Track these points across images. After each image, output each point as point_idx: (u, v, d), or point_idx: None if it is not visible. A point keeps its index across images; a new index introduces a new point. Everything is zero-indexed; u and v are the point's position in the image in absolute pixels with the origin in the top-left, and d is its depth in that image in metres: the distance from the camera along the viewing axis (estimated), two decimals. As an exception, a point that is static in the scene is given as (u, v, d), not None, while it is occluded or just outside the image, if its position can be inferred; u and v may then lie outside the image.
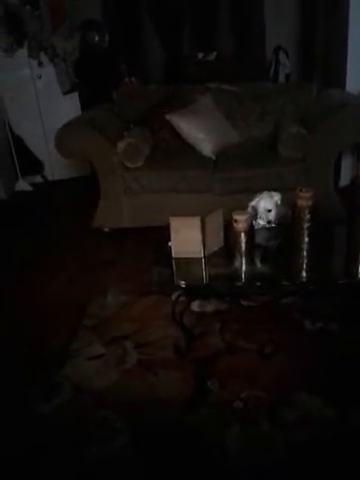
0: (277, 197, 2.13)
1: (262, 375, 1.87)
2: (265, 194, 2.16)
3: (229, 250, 2.04)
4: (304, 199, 1.89)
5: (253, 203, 2.20)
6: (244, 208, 2.28)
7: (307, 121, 3.05)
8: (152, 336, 2.13)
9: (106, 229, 3.25)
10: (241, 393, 1.78)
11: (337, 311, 2.18)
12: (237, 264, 1.97)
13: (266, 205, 2.14)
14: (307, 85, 3.47)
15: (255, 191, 2.79)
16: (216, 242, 2.03)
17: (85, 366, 2.00)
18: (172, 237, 1.95)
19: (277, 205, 2.12)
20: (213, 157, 3.17)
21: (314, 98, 3.34)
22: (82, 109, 4.22)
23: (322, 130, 2.84)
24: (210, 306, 2.28)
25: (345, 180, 3.72)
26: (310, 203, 1.89)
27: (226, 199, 2.95)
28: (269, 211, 2.14)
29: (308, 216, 1.90)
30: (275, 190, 2.83)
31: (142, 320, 2.25)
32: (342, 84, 3.55)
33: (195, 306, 2.27)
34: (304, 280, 1.91)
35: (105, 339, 2.15)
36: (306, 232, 1.93)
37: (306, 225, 1.92)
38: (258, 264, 2.04)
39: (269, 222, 2.14)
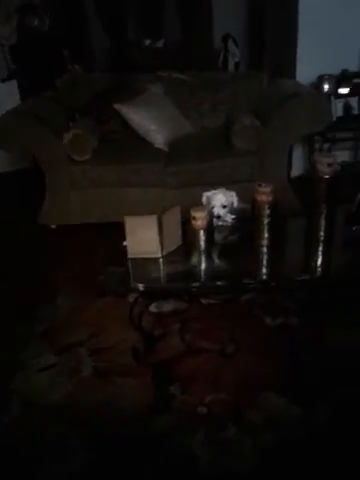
0: (234, 198, 2.07)
1: (225, 376, 1.80)
2: (223, 190, 2.09)
3: (188, 248, 1.95)
4: (264, 194, 1.83)
5: (209, 194, 2.13)
6: (200, 200, 2.22)
7: (260, 112, 3.01)
8: (108, 341, 2.01)
9: (53, 226, 3.07)
10: (205, 397, 1.70)
11: (297, 305, 2.16)
12: (196, 263, 1.89)
13: (222, 201, 2.08)
14: (258, 74, 3.42)
15: (210, 184, 2.75)
16: (174, 241, 1.93)
17: (36, 378, 1.85)
18: (127, 237, 1.84)
19: (233, 205, 2.06)
20: (165, 149, 3.06)
21: (265, 88, 3.30)
22: (21, 98, 3.96)
23: (276, 121, 2.80)
24: (168, 306, 2.18)
25: (297, 170, 3.73)
26: (270, 198, 1.83)
27: (181, 193, 2.86)
28: (224, 207, 2.08)
29: (268, 212, 1.84)
30: (230, 183, 2.82)
31: (97, 324, 2.11)
32: (292, 74, 3.54)
33: (152, 306, 2.16)
34: (265, 277, 1.86)
35: (57, 347, 2.00)
36: (266, 228, 1.88)
37: (266, 221, 1.86)
38: (218, 262, 1.97)
39: (218, 217, 2.07)
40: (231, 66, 4.58)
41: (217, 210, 2.04)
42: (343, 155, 3.62)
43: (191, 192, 2.64)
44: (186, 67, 3.62)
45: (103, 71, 4.50)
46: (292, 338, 1.99)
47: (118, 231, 2.01)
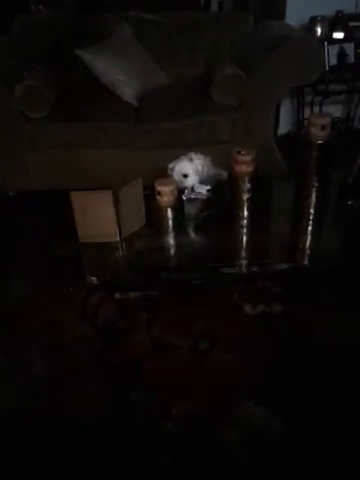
0: (198, 161, 1.75)
1: (197, 381, 1.55)
2: (183, 157, 1.77)
3: (153, 228, 1.63)
4: (243, 164, 1.50)
5: (171, 165, 1.81)
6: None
7: (244, 59, 2.60)
8: (64, 336, 1.72)
9: (11, 193, 2.72)
10: (171, 409, 1.45)
11: (281, 289, 1.89)
12: (163, 247, 1.58)
13: (182, 169, 1.75)
14: (243, 16, 2.96)
15: (186, 146, 2.41)
16: (136, 220, 1.61)
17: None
18: (77, 218, 1.51)
19: (197, 170, 1.73)
20: (135, 103, 2.66)
21: (251, 31, 2.87)
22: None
23: (262, 70, 2.40)
24: (135, 291, 1.89)
25: (284, 127, 3.37)
26: (250, 169, 1.51)
27: (153, 154, 2.51)
28: (185, 176, 1.76)
29: (248, 185, 1.52)
30: (209, 143, 2.47)
31: (53, 315, 1.82)
32: (281, 15, 3.10)
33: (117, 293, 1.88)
34: (245, 265, 1.56)
35: (4, 343, 1.72)
36: (246, 204, 1.56)
37: (246, 196, 1.55)
38: (189, 245, 1.65)
39: (183, 190, 1.77)
40: (214, 7, 4.07)
41: (177, 178, 1.72)
42: (336, 110, 3.26)
43: (165, 154, 2.30)
44: (160, 6, 3.14)
45: (71, 11, 3.97)
46: (275, 330, 1.73)
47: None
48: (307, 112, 3.08)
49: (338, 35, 2.90)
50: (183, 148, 2.34)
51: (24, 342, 1.70)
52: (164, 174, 1.91)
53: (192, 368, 1.59)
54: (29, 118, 2.49)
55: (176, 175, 1.74)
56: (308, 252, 1.60)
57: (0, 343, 1.71)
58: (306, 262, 1.57)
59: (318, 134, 1.49)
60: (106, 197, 1.48)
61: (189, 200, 1.78)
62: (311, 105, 2.97)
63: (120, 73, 2.68)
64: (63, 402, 1.50)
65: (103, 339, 1.68)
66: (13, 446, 1.38)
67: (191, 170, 1.73)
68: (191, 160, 1.77)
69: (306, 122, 1.81)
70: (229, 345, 1.67)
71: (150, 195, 1.66)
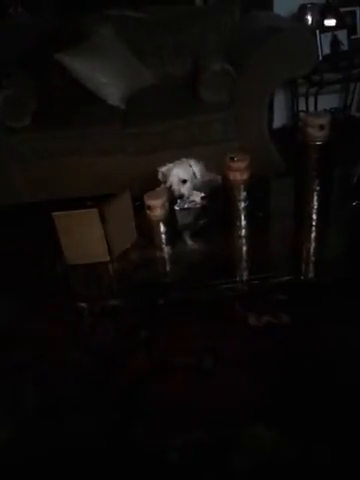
0: (196, 168, 1.64)
1: (201, 405, 1.45)
2: (181, 161, 1.66)
3: (146, 242, 1.53)
4: (237, 171, 1.39)
5: (163, 169, 1.70)
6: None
7: (233, 54, 2.49)
8: (58, 363, 1.63)
9: (-3, 207, 2.61)
10: (176, 438, 1.35)
11: (288, 297, 1.79)
12: (158, 264, 1.47)
13: (180, 175, 1.65)
14: (229, 7, 2.83)
15: (177, 148, 2.32)
16: (126, 236, 1.51)
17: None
18: (62, 240, 1.40)
19: (194, 177, 1.63)
20: (122, 106, 2.55)
21: (238, 24, 2.75)
22: None
23: (253, 65, 2.28)
24: (131, 311, 1.79)
25: (279, 121, 3.26)
26: (245, 176, 1.40)
27: (143, 159, 2.41)
28: (184, 182, 1.66)
29: (244, 194, 1.41)
30: (201, 144, 2.36)
31: (44, 343, 1.72)
32: (269, 4, 2.98)
33: (111, 312, 1.77)
34: (244, 279, 1.45)
35: (-6, 373, 1.62)
36: (242, 214, 1.45)
37: (242, 205, 1.44)
38: (185, 260, 1.54)
39: (181, 197, 1.67)
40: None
41: (177, 188, 1.62)
42: (331, 99, 3.15)
43: (155, 158, 2.20)
44: (143, 2, 3.02)
45: (52, 13, 3.83)
46: (282, 341, 1.63)
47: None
48: (302, 104, 2.97)
49: (330, 22, 2.78)
50: (174, 150, 2.25)
51: (13, 373, 1.59)
52: (156, 179, 1.81)
53: (196, 390, 1.49)
54: (11, 129, 2.38)
55: (173, 180, 1.63)
56: (312, 260, 1.50)
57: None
58: (310, 272, 1.46)
59: (316, 135, 1.38)
60: (92, 216, 1.37)
61: (181, 210, 1.68)
62: (306, 96, 2.86)
63: (103, 75, 2.56)
64: (61, 434, 1.40)
65: (100, 365, 1.57)
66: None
67: (187, 175, 1.63)
68: (190, 165, 1.66)
69: (301, 119, 1.70)
70: (234, 361, 1.57)
71: (141, 206, 1.56)
